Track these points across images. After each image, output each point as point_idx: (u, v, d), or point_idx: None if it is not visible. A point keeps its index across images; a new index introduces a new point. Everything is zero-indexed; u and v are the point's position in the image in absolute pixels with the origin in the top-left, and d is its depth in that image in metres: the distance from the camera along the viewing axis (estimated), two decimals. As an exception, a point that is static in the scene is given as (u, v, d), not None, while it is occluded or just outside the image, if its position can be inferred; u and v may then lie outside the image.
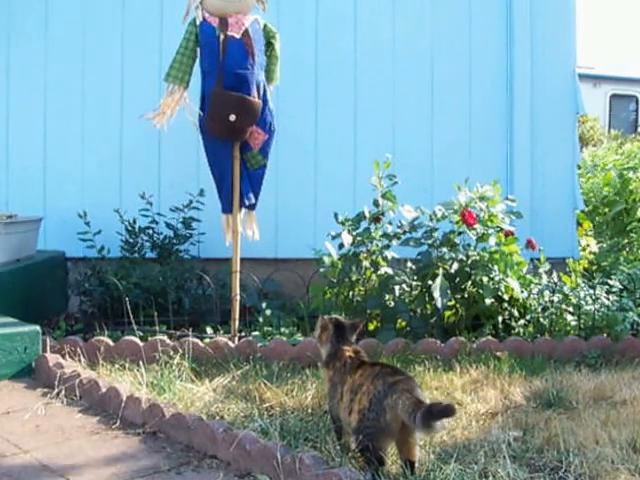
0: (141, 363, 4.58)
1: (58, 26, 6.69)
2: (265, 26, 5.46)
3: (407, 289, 5.63)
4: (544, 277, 5.95)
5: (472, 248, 5.68)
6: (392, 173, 5.75)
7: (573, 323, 5.62)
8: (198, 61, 5.34)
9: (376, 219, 5.70)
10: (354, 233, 5.70)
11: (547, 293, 5.73)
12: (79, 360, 4.72)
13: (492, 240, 5.63)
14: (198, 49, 5.32)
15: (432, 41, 7.17)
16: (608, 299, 5.78)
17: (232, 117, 5.18)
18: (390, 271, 5.66)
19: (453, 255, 5.65)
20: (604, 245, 8.14)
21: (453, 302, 5.58)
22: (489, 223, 5.67)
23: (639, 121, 20.11)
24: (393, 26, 7.10)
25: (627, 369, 5.01)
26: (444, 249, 5.66)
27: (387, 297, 5.59)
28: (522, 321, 5.64)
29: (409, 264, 5.77)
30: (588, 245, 7.93)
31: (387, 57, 7.08)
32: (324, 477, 3.00)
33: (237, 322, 5.41)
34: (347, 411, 3.28)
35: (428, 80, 7.16)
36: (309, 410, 4.03)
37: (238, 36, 5.20)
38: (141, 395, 4.01)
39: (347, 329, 3.69)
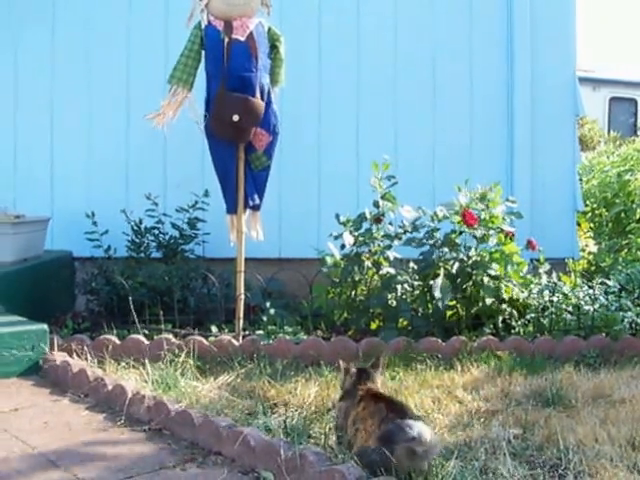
0: (147, 361, 4.60)
1: (64, 30, 6.74)
2: (270, 29, 5.49)
3: (409, 289, 5.67)
4: (544, 277, 5.99)
5: (473, 248, 5.72)
6: (393, 174, 5.79)
7: (572, 323, 5.66)
8: (203, 64, 5.37)
9: (377, 220, 5.74)
10: (356, 234, 5.73)
11: (547, 293, 5.77)
12: (86, 358, 4.76)
13: (493, 240, 5.68)
14: (203, 52, 5.36)
15: (433, 44, 7.21)
16: (607, 299, 5.81)
17: (235, 118, 5.21)
18: (392, 271, 5.70)
19: (454, 255, 5.69)
20: (603, 246, 8.17)
21: (454, 302, 5.63)
22: (490, 224, 5.71)
23: (638, 124, 20.07)
24: (395, 28, 7.13)
25: (626, 368, 5.04)
26: (445, 249, 5.70)
27: (389, 296, 5.62)
28: (522, 321, 5.69)
29: (411, 264, 5.80)
30: (587, 246, 7.97)
31: (389, 59, 7.13)
32: (327, 473, 3.02)
33: (241, 321, 5.44)
34: (347, 438, 3.29)
35: (430, 82, 7.19)
36: (312, 408, 4.05)
37: (242, 39, 5.23)
38: (147, 392, 4.04)
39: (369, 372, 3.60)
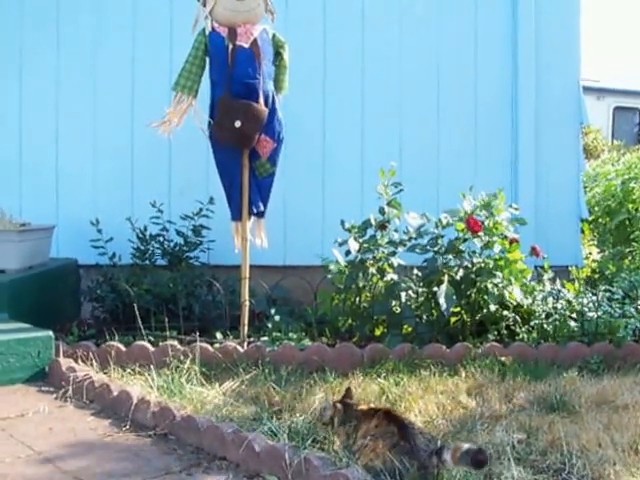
0: (152, 367, 4.63)
1: (69, 37, 6.77)
2: (274, 36, 5.52)
3: (413, 295, 5.68)
4: (548, 284, 6.00)
5: (477, 255, 5.73)
6: (398, 181, 5.81)
7: (576, 329, 5.66)
8: (207, 71, 5.39)
9: (382, 226, 5.75)
10: (361, 240, 5.74)
11: (551, 300, 5.78)
12: (91, 364, 4.79)
13: (497, 247, 5.70)
14: (207, 59, 5.38)
15: (438, 52, 7.24)
16: (610, 306, 5.83)
17: (237, 123, 5.22)
18: (396, 277, 5.71)
19: (458, 262, 5.71)
20: (606, 253, 8.18)
21: (458, 308, 5.62)
22: (494, 231, 5.71)
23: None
24: (400, 36, 7.16)
25: (629, 374, 5.05)
26: (449, 256, 5.72)
27: (393, 303, 5.63)
28: (526, 327, 5.69)
29: (415, 271, 5.81)
30: (590, 254, 7.99)
31: (394, 68, 7.15)
32: (331, 478, 3.05)
33: (246, 328, 5.46)
34: (356, 452, 3.31)
35: (434, 90, 7.22)
36: (317, 413, 4.07)
37: (247, 46, 5.25)
38: (152, 398, 4.07)
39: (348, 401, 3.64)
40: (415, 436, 3.20)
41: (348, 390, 3.69)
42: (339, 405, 3.56)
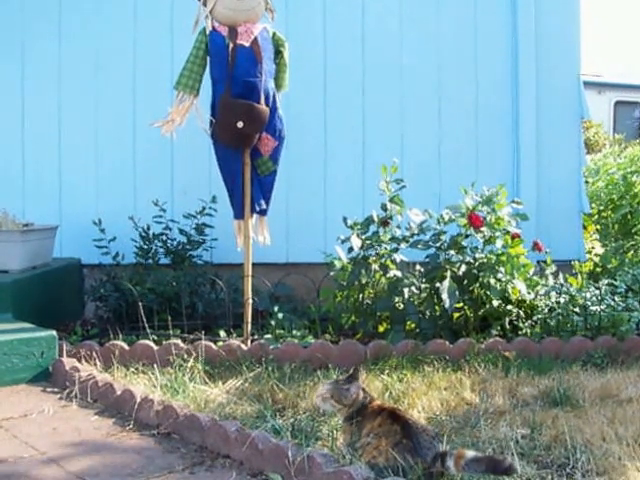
0: (155, 366, 4.64)
1: (71, 38, 6.77)
2: (274, 34, 5.51)
3: (416, 291, 5.68)
4: (550, 279, 6.00)
5: (479, 250, 5.73)
6: (401, 178, 5.81)
7: (579, 323, 5.66)
8: (208, 69, 5.38)
9: (384, 223, 5.75)
10: (363, 237, 5.73)
11: (554, 294, 5.78)
12: (95, 364, 4.78)
13: (499, 242, 5.69)
14: (208, 58, 5.37)
15: (438, 48, 7.24)
16: (613, 300, 5.82)
17: (240, 124, 5.22)
18: (399, 274, 5.70)
19: (461, 257, 5.71)
20: (609, 248, 8.18)
21: (461, 304, 5.63)
22: (496, 226, 5.71)
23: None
24: (400, 34, 7.16)
25: (633, 368, 5.05)
26: (452, 252, 5.72)
27: (396, 299, 5.64)
28: (529, 322, 5.70)
29: (417, 267, 5.82)
30: (593, 248, 7.98)
31: (394, 65, 7.15)
32: (335, 475, 3.04)
33: (249, 325, 5.45)
34: (359, 449, 3.30)
35: (435, 86, 7.22)
36: (320, 410, 4.07)
37: (247, 45, 5.24)
38: (155, 397, 4.06)
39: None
40: (418, 434, 3.20)
41: (355, 370, 3.65)
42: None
